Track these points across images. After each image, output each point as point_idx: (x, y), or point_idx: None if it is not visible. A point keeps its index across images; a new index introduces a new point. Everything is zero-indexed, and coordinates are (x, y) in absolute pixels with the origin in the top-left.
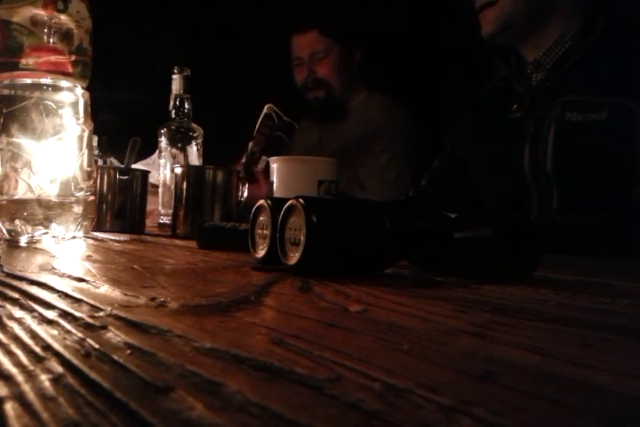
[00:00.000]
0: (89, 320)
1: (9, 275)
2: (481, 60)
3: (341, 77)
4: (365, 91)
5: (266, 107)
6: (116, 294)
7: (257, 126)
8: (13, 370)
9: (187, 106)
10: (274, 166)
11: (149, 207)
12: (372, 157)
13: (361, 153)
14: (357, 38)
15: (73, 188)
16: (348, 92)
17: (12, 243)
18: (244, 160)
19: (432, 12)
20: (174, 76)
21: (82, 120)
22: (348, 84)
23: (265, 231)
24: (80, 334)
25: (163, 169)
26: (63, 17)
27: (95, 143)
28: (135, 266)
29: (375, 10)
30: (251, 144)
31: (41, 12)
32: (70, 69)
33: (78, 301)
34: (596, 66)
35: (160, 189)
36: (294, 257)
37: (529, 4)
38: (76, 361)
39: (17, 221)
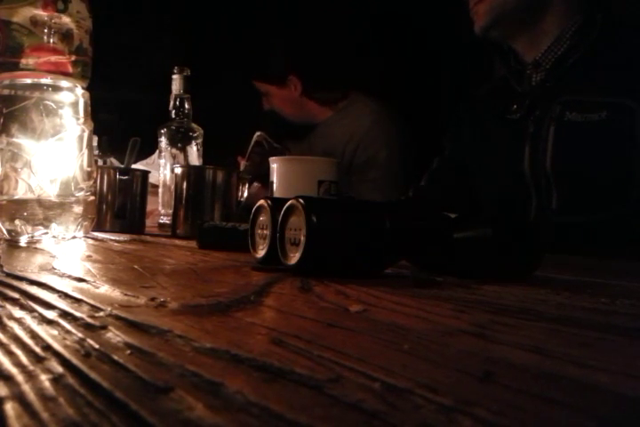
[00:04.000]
0: (89, 320)
1: (9, 275)
2: (480, 60)
3: (289, 108)
4: (333, 103)
5: (256, 135)
6: (115, 294)
7: (247, 154)
8: (13, 370)
9: (187, 106)
10: (274, 166)
11: (149, 207)
12: (363, 162)
13: (352, 159)
14: (287, 70)
15: (73, 188)
16: (305, 115)
17: (12, 243)
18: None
19: (429, 12)
20: (174, 76)
21: (82, 120)
22: (301, 109)
23: (265, 231)
24: (80, 334)
25: (163, 169)
26: (63, 17)
27: (95, 143)
28: (135, 266)
29: (306, 26)
30: (242, 166)
31: (41, 13)
32: (70, 69)
33: (78, 301)
34: (594, 65)
35: (160, 189)
36: (294, 257)
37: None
38: (76, 361)
39: (17, 221)
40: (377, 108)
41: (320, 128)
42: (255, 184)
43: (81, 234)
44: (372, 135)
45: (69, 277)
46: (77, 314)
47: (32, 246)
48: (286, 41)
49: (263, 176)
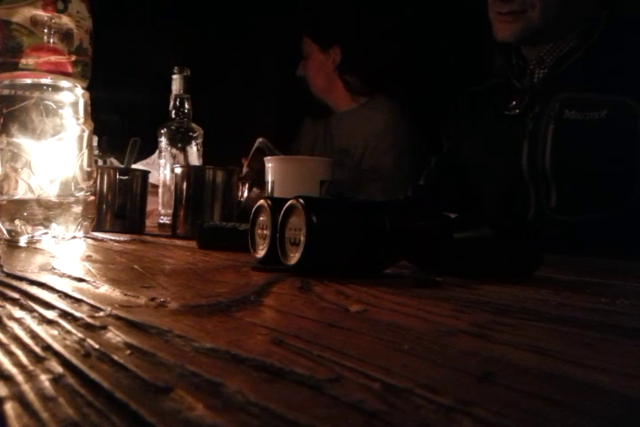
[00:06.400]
0: (89, 320)
1: (9, 275)
2: (480, 56)
3: (319, 78)
4: (358, 95)
5: (258, 141)
6: (115, 294)
7: (248, 160)
8: (13, 370)
9: (187, 106)
10: (274, 166)
11: (149, 207)
12: (373, 161)
13: (361, 157)
14: (335, 37)
15: (73, 188)
16: (329, 93)
17: (12, 243)
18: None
19: (430, 7)
20: (174, 76)
21: (82, 120)
22: (329, 85)
23: (265, 231)
24: (80, 334)
25: (163, 169)
26: (63, 17)
27: (95, 143)
28: (135, 266)
29: (363, 7)
30: (244, 170)
31: (41, 12)
32: (70, 69)
33: (78, 301)
34: (596, 64)
35: (160, 189)
36: (294, 257)
37: (555, 19)
38: (75, 361)
39: (17, 221)
40: (393, 110)
41: (335, 118)
42: (255, 190)
43: (81, 234)
44: (383, 137)
45: (69, 277)
46: (77, 314)
47: (32, 246)
48: (342, 13)
49: (263, 183)
